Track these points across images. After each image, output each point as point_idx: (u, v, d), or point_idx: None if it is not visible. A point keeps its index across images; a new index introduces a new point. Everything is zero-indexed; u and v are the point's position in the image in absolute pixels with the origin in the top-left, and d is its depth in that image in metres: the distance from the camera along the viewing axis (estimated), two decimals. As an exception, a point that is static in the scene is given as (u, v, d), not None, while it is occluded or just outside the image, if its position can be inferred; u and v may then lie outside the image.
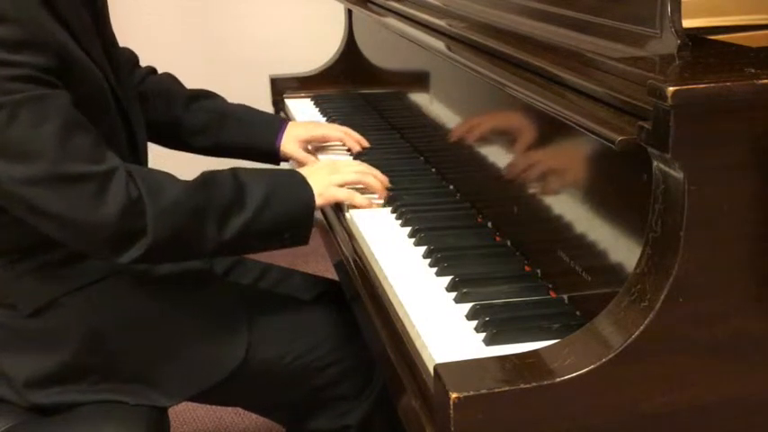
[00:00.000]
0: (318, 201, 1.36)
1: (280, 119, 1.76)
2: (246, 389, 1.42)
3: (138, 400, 1.34)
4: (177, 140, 1.65)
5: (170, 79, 1.69)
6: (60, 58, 1.20)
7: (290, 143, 1.68)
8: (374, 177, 1.47)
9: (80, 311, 1.32)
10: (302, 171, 1.42)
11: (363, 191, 1.47)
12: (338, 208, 1.51)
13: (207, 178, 1.30)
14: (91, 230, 1.19)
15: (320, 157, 1.73)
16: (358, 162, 1.53)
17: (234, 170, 1.33)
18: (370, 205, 1.45)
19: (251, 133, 1.68)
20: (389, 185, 1.50)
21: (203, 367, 1.36)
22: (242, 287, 1.54)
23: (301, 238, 1.35)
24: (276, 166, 1.67)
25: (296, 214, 1.34)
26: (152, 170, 1.29)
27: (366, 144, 1.75)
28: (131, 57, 1.63)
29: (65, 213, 1.18)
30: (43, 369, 1.32)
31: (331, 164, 1.49)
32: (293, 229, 1.34)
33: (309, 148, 1.74)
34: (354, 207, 1.45)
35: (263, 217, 1.29)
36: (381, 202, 1.47)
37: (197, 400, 1.45)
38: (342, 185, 1.43)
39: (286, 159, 1.72)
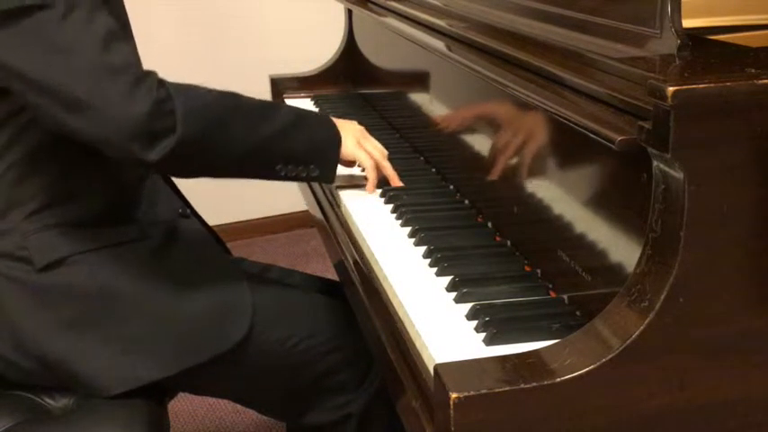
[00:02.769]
0: (344, 150, 1.43)
1: None
2: (249, 374, 1.43)
3: (135, 375, 1.34)
4: None
5: None
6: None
7: None
8: (376, 172, 1.51)
9: (91, 271, 1.35)
10: (335, 120, 1.47)
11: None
12: (336, 204, 1.51)
13: (235, 93, 1.35)
14: (121, 124, 1.22)
15: None
16: (382, 148, 1.55)
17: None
18: (372, 189, 1.51)
19: None
20: (399, 183, 1.53)
21: (205, 339, 1.37)
22: (249, 273, 1.55)
23: (328, 172, 1.41)
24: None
25: (324, 144, 1.40)
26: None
27: None
28: None
29: (99, 105, 1.21)
30: (49, 325, 1.34)
31: (362, 130, 1.53)
32: (320, 160, 1.39)
33: None
34: (341, 186, 1.52)
35: (292, 135, 1.35)
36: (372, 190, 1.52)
37: (201, 389, 1.45)
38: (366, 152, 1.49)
39: None
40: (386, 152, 1.53)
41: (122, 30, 1.29)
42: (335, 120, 1.47)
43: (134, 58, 1.27)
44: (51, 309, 1.34)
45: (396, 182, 1.52)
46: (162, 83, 1.25)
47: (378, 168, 1.50)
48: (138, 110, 1.21)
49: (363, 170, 1.52)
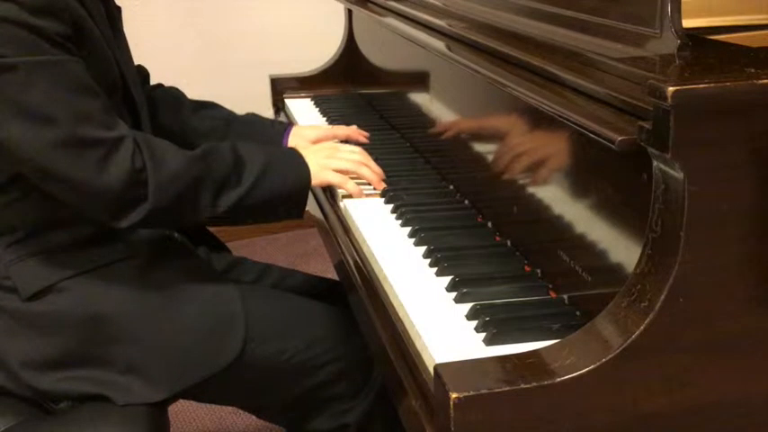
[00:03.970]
0: (313, 181, 1.43)
1: (285, 122, 1.81)
2: (245, 386, 1.42)
3: (130, 398, 1.33)
4: (186, 145, 1.66)
5: (177, 91, 1.74)
6: (76, 29, 1.25)
7: (297, 142, 1.69)
8: (368, 168, 1.51)
9: (80, 297, 1.33)
10: (301, 150, 1.47)
11: (358, 180, 1.51)
12: (336, 204, 1.51)
13: (207, 150, 1.36)
14: (94, 194, 1.24)
15: None
16: (357, 149, 1.56)
17: (234, 144, 1.39)
18: (360, 194, 1.49)
19: (257, 135, 1.71)
20: (384, 177, 1.53)
21: (198, 359, 1.36)
22: (241, 284, 1.54)
23: (295, 213, 1.42)
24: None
25: (290, 190, 1.40)
26: (156, 140, 1.34)
27: (365, 140, 1.80)
28: (143, 71, 1.68)
29: (73, 176, 1.22)
30: (40, 354, 1.33)
31: (330, 147, 1.54)
32: (287, 204, 1.40)
33: None
34: (347, 196, 1.49)
35: (257, 191, 1.35)
36: (373, 191, 1.50)
37: (198, 398, 1.45)
38: (337, 170, 1.48)
39: None
40: (358, 157, 1.52)
41: (92, 73, 1.27)
42: (303, 150, 1.47)
43: (107, 120, 1.25)
44: (42, 337, 1.33)
45: (376, 184, 1.51)
46: (137, 149, 1.25)
47: (357, 170, 1.50)
48: (111, 184, 1.23)
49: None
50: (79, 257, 1.34)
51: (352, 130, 1.77)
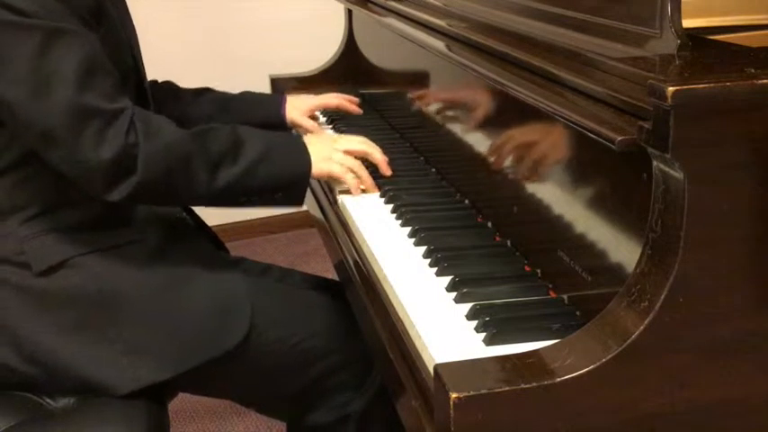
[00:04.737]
0: (314, 169, 1.43)
1: (278, 94, 1.87)
2: (249, 375, 1.43)
3: (133, 381, 1.34)
4: None
5: (172, 83, 1.77)
6: (99, 8, 1.29)
7: (293, 112, 1.79)
8: (353, 176, 1.49)
9: (91, 274, 1.34)
10: (304, 138, 1.48)
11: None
12: (336, 204, 1.51)
13: (205, 128, 1.37)
14: (87, 166, 1.25)
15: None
16: (357, 145, 1.54)
17: (234, 126, 1.40)
18: (357, 190, 1.50)
19: (257, 109, 1.77)
20: (389, 173, 1.55)
21: (204, 341, 1.37)
22: (247, 275, 1.55)
23: (294, 200, 1.42)
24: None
25: (291, 176, 1.41)
26: (155, 116, 1.35)
27: (356, 103, 1.90)
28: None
29: (71, 143, 1.24)
30: (49, 330, 1.33)
31: (333, 139, 1.54)
32: (286, 190, 1.41)
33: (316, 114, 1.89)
34: (345, 192, 1.50)
35: (256, 172, 1.36)
36: (371, 191, 1.51)
37: (201, 389, 1.45)
38: (330, 174, 1.49)
39: (292, 128, 1.81)
40: (362, 147, 1.52)
41: (107, 53, 1.29)
42: (305, 138, 1.48)
43: (112, 93, 1.26)
44: (51, 313, 1.34)
45: (354, 191, 1.49)
46: (132, 123, 1.26)
47: (357, 170, 1.49)
48: (104, 155, 1.24)
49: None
50: (92, 236, 1.36)
51: (344, 98, 1.88)
